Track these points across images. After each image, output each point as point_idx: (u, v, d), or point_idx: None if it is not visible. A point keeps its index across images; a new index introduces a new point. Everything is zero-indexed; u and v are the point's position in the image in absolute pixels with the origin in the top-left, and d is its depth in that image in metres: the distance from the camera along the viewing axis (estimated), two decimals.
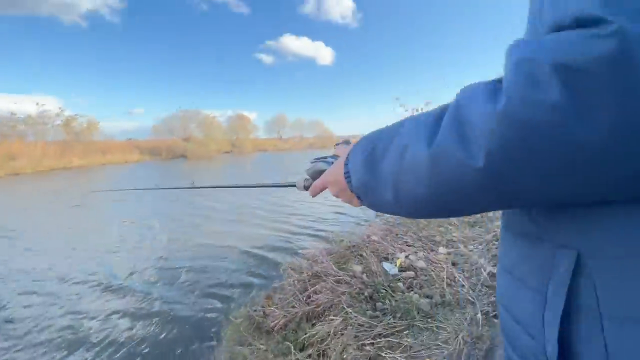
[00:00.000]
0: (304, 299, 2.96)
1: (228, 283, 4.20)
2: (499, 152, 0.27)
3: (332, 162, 0.57)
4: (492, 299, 2.43)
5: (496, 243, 3.56)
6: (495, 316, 2.20)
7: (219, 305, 3.66)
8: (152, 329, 3.31)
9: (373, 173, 0.42)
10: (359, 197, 0.49)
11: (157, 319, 3.46)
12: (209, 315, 3.49)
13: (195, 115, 46.10)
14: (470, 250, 3.28)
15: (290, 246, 5.52)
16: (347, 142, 0.60)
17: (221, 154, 42.75)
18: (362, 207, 0.52)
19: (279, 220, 7.69)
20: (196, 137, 42.63)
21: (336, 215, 8.06)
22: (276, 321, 2.82)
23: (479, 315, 2.22)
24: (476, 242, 3.58)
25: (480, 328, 2.09)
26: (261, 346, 2.68)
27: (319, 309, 2.77)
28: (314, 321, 2.71)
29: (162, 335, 3.20)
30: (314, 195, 0.62)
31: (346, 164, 0.48)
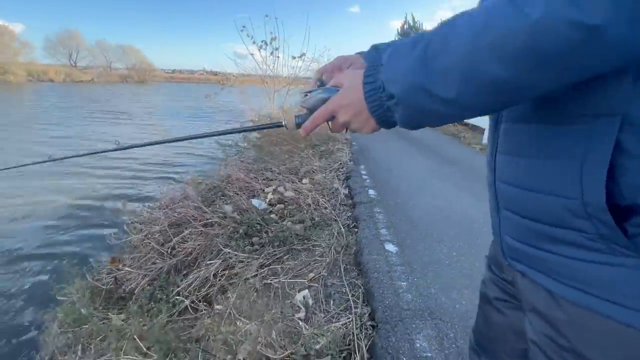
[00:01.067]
0: (168, 251, 2.60)
1: (51, 253, 3.15)
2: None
3: (336, 91, 0.51)
4: (349, 214, 2.89)
5: (342, 170, 4.16)
6: (355, 226, 2.65)
7: (40, 283, 2.74)
8: None
9: (428, 71, 0.39)
10: (392, 111, 0.44)
11: None
12: (25, 297, 2.59)
13: None
14: (326, 178, 3.70)
15: (135, 196, 4.58)
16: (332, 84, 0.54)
17: None
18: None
19: (114, 167, 6.08)
20: None
21: (183, 158, 7.14)
22: (135, 282, 2.39)
23: (342, 228, 2.62)
24: (327, 170, 4.06)
25: (345, 238, 2.48)
26: (116, 315, 2.24)
27: (190, 257, 2.53)
28: (186, 271, 2.47)
29: None
30: (309, 132, 0.54)
31: (370, 78, 0.45)
